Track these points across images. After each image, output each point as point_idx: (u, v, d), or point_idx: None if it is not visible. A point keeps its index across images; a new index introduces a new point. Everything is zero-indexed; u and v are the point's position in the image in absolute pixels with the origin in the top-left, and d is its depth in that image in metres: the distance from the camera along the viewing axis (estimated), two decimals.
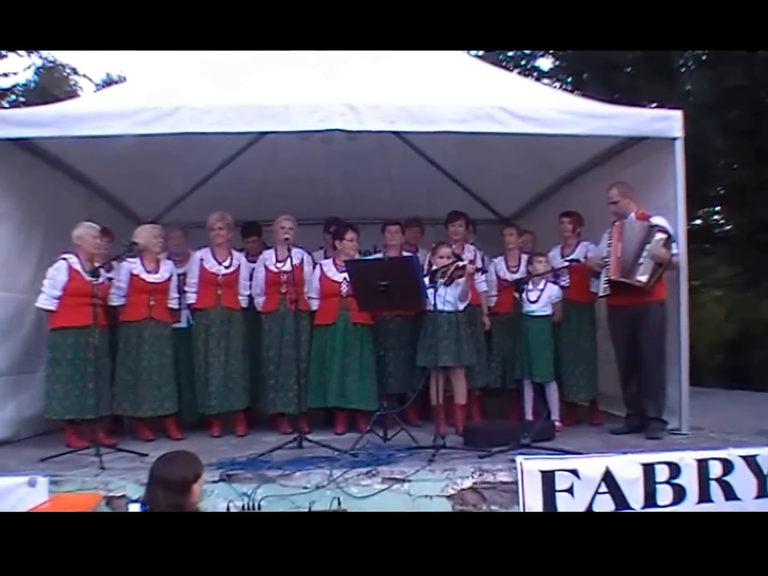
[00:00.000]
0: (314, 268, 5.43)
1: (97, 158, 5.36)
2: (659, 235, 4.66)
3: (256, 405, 5.41)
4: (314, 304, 5.35)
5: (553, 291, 5.26)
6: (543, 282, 5.25)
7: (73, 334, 4.66)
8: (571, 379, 5.37)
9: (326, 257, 5.69)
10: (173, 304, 5.28)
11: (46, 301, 4.76)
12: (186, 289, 5.31)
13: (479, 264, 5.65)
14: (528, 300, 5.18)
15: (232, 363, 5.21)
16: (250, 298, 5.44)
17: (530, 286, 5.21)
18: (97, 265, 4.67)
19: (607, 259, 4.88)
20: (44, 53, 15.63)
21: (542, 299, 5.20)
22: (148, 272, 5.09)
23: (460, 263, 4.88)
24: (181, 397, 5.21)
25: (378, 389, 5.19)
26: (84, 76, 20.14)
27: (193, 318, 5.32)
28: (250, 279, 5.44)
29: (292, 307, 4.79)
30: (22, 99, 14.94)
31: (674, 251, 4.72)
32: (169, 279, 5.21)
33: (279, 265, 5.25)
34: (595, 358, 5.43)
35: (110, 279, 5.12)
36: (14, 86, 15.09)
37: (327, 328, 5.24)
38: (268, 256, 5.34)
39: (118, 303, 5.07)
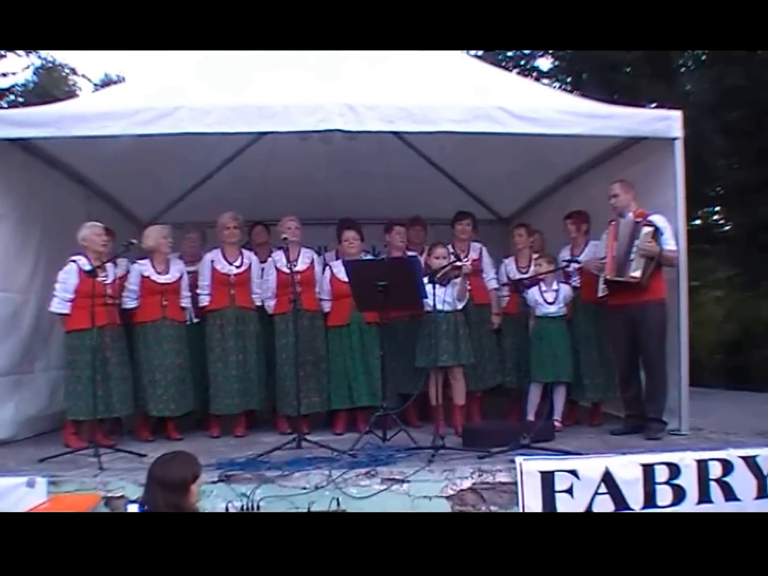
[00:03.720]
0: (324, 269, 5.43)
1: (96, 158, 5.35)
2: (646, 229, 4.67)
3: (277, 407, 5.35)
4: (326, 306, 5.34)
5: (566, 291, 5.25)
6: (555, 282, 5.24)
7: (88, 336, 4.64)
8: (586, 379, 5.33)
9: (337, 258, 5.67)
10: (186, 303, 5.28)
11: (59, 305, 4.76)
12: (198, 291, 5.31)
13: (485, 262, 5.64)
14: (545, 301, 5.17)
15: (249, 362, 5.21)
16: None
17: (544, 287, 5.20)
18: (96, 264, 4.67)
19: (603, 260, 4.88)
20: (43, 53, 15.67)
21: (558, 300, 5.20)
22: (159, 273, 5.10)
23: (458, 263, 4.87)
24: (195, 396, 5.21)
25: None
26: (83, 76, 20.12)
27: (207, 318, 5.29)
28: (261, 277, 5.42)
29: (292, 306, 4.78)
30: (20, 99, 14.91)
31: (668, 246, 4.71)
32: (180, 278, 5.21)
33: (290, 266, 5.23)
34: (610, 358, 5.38)
35: (120, 278, 5.12)
36: (13, 86, 15.06)
37: (341, 330, 5.23)
38: (279, 258, 5.30)
39: (132, 306, 5.08)
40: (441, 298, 4.79)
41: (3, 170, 4.80)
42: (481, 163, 6.53)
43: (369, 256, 5.71)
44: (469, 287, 5.16)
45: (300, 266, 5.22)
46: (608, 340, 5.16)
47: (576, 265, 5.27)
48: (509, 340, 5.60)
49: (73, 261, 4.80)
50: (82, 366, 4.66)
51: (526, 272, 5.51)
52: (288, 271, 4.94)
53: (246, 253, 5.44)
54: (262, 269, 5.43)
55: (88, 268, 4.69)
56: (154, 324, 5.03)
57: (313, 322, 5.24)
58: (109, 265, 4.88)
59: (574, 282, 5.41)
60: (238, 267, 5.30)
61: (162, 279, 5.10)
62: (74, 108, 4.87)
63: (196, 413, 5.34)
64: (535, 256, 5.49)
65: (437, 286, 4.70)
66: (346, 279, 5.16)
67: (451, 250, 5.07)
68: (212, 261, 5.29)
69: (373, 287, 4.41)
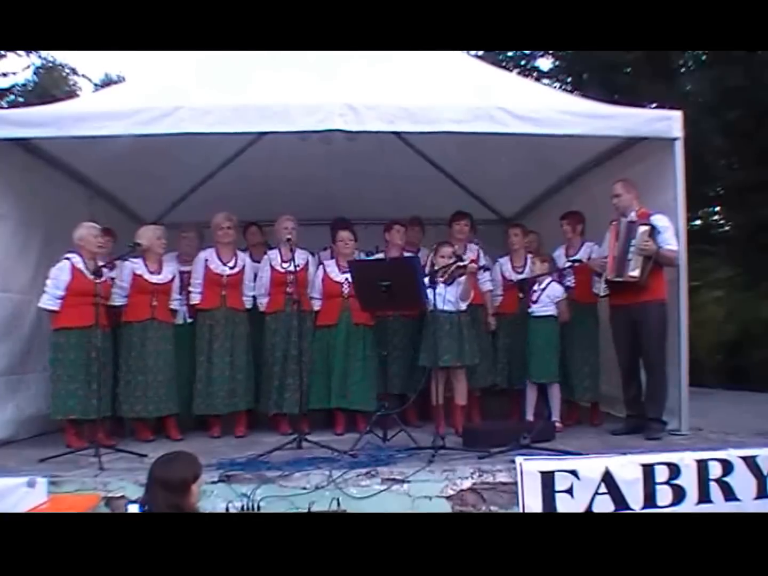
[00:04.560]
0: (318, 268, 5.43)
1: (98, 158, 5.35)
2: (642, 228, 4.68)
3: (258, 406, 5.38)
4: (317, 305, 5.34)
5: (554, 291, 5.24)
6: (546, 282, 5.24)
7: (75, 335, 4.65)
8: (575, 380, 5.36)
9: (332, 257, 5.68)
10: (175, 305, 5.27)
11: (49, 301, 4.74)
12: (190, 289, 5.31)
13: (482, 263, 5.65)
14: (530, 300, 5.18)
15: (237, 364, 5.20)
16: (254, 298, 5.42)
17: (535, 287, 5.20)
18: (100, 264, 4.66)
19: (606, 259, 4.89)
20: (43, 53, 15.64)
21: (542, 299, 5.19)
22: (151, 273, 5.09)
23: (461, 263, 4.88)
24: (181, 397, 5.19)
25: (380, 389, 5.19)
26: (83, 76, 20.13)
27: (197, 318, 5.30)
28: (254, 279, 5.42)
29: (294, 307, 4.79)
30: (21, 99, 14.90)
31: (668, 246, 4.71)
32: (172, 280, 5.20)
33: (285, 265, 5.22)
34: (598, 359, 5.42)
35: (113, 278, 5.10)
36: (13, 86, 15.06)
37: (329, 329, 5.24)
38: (274, 256, 5.33)
39: (120, 303, 5.06)
40: (443, 297, 4.80)
41: (4, 171, 4.80)
42: (482, 163, 6.53)
43: (362, 256, 5.72)
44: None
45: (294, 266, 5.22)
46: (613, 340, 5.16)
47: (577, 264, 5.27)
48: (502, 340, 5.61)
49: (67, 258, 4.79)
50: (65, 364, 4.66)
51: (522, 272, 5.52)
52: (282, 270, 4.93)
53: (240, 254, 5.45)
54: (255, 273, 5.43)
55: (81, 267, 4.71)
56: (142, 324, 5.00)
57: (304, 324, 5.22)
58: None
59: (568, 282, 5.42)
60: (231, 268, 5.31)
61: (154, 279, 5.08)
62: (74, 108, 4.87)
63: (192, 413, 5.33)
64: (530, 256, 5.51)
65: (442, 285, 4.70)
66: (338, 278, 5.19)
67: (455, 251, 5.06)
68: (206, 260, 5.29)
69: (375, 287, 4.41)
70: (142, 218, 7.09)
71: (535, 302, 5.18)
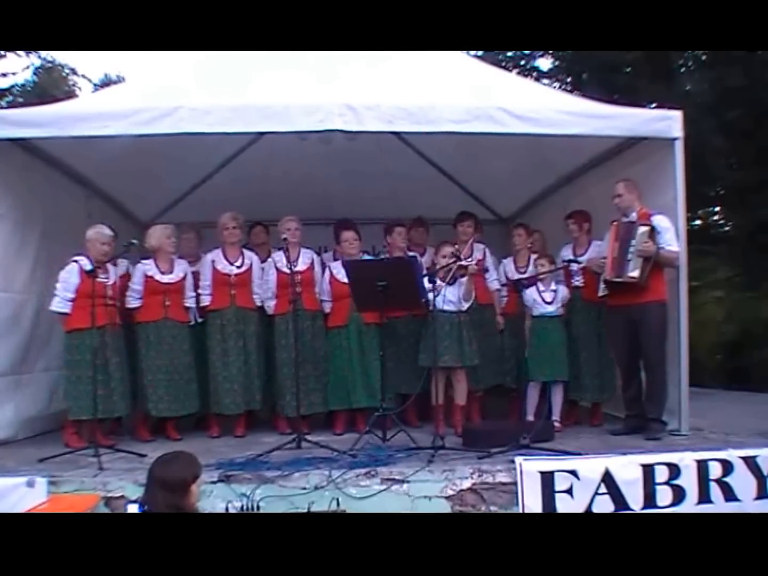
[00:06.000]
0: (323, 270, 5.43)
1: (96, 158, 5.35)
2: (641, 229, 4.68)
3: (266, 406, 5.36)
4: (327, 307, 5.34)
5: (563, 292, 5.26)
6: (553, 282, 5.24)
7: (89, 335, 4.65)
8: (585, 379, 5.33)
9: (335, 259, 5.66)
10: (190, 302, 5.27)
11: (60, 304, 4.75)
12: (200, 291, 5.30)
13: (489, 262, 5.64)
14: (544, 301, 5.18)
15: (250, 363, 5.20)
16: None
17: (542, 287, 5.20)
18: (95, 265, 4.66)
19: (605, 259, 4.88)
20: (43, 53, 15.65)
21: (557, 300, 5.20)
22: (162, 273, 5.10)
23: (464, 262, 4.87)
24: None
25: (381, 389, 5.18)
26: (82, 76, 20.13)
27: (208, 318, 5.29)
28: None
29: (291, 307, 4.78)
30: (20, 99, 14.90)
31: (669, 247, 4.70)
32: (183, 278, 5.20)
33: (290, 266, 5.21)
34: (607, 357, 5.36)
35: (121, 278, 5.11)
36: (13, 86, 15.06)
37: (340, 331, 5.23)
38: (279, 258, 5.29)
39: (135, 305, 5.07)
40: (444, 297, 4.79)
41: (3, 170, 4.79)
42: (481, 163, 6.52)
43: (367, 256, 5.70)
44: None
45: (300, 266, 5.22)
46: (609, 340, 5.16)
47: (579, 265, 5.27)
48: (508, 339, 5.60)
49: (75, 261, 4.80)
50: (82, 366, 4.66)
51: (525, 272, 5.51)
52: (288, 271, 4.94)
53: (247, 253, 5.43)
54: (262, 269, 5.42)
55: (88, 268, 4.70)
56: (156, 324, 5.02)
57: (315, 323, 5.24)
58: (109, 266, 4.88)
59: (576, 281, 5.41)
60: (239, 267, 5.30)
61: (165, 279, 5.10)
62: (74, 108, 4.87)
63: (197, 413, 5.33)
64: (534, 256, 5.49)
65: (443, 285, 4.70)
66: (345, 280, 5.16)
67: (455, 250, 5.05)
68: (213, 261, 5.29)
69: (372, 287, 4.41)
70: (138, 218, 7.10)
71: (550, 303, 5.18)
